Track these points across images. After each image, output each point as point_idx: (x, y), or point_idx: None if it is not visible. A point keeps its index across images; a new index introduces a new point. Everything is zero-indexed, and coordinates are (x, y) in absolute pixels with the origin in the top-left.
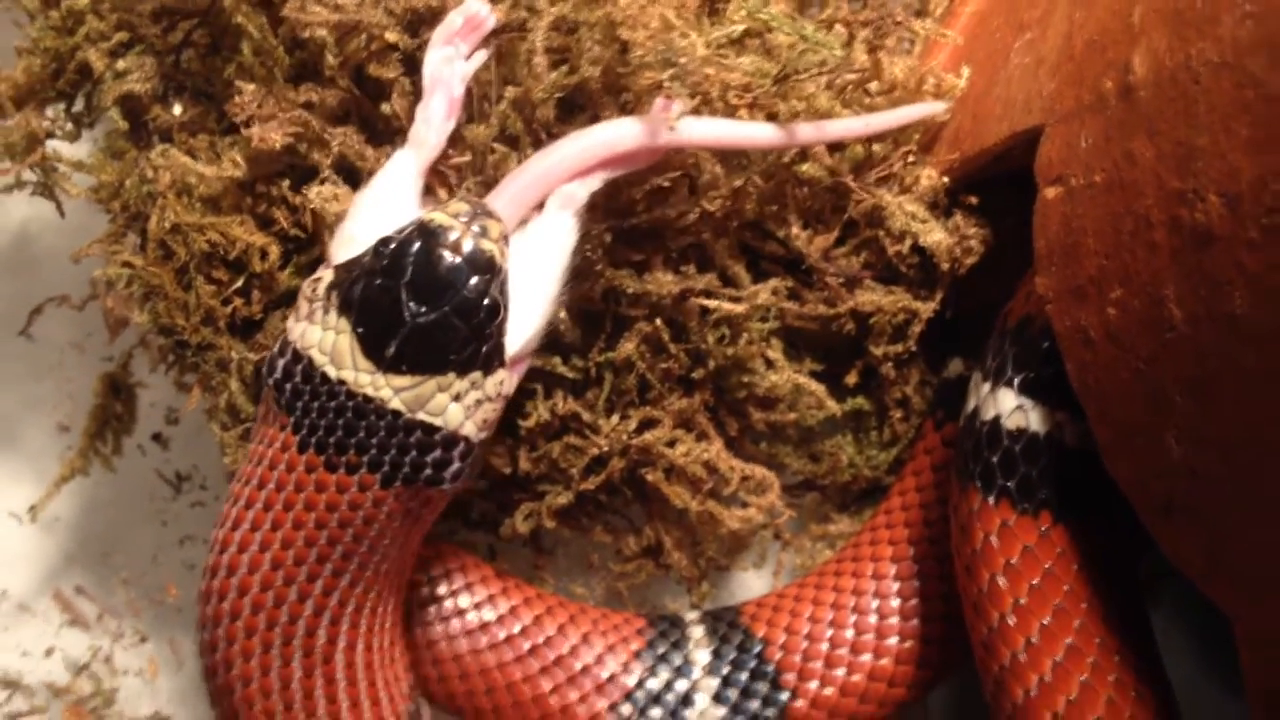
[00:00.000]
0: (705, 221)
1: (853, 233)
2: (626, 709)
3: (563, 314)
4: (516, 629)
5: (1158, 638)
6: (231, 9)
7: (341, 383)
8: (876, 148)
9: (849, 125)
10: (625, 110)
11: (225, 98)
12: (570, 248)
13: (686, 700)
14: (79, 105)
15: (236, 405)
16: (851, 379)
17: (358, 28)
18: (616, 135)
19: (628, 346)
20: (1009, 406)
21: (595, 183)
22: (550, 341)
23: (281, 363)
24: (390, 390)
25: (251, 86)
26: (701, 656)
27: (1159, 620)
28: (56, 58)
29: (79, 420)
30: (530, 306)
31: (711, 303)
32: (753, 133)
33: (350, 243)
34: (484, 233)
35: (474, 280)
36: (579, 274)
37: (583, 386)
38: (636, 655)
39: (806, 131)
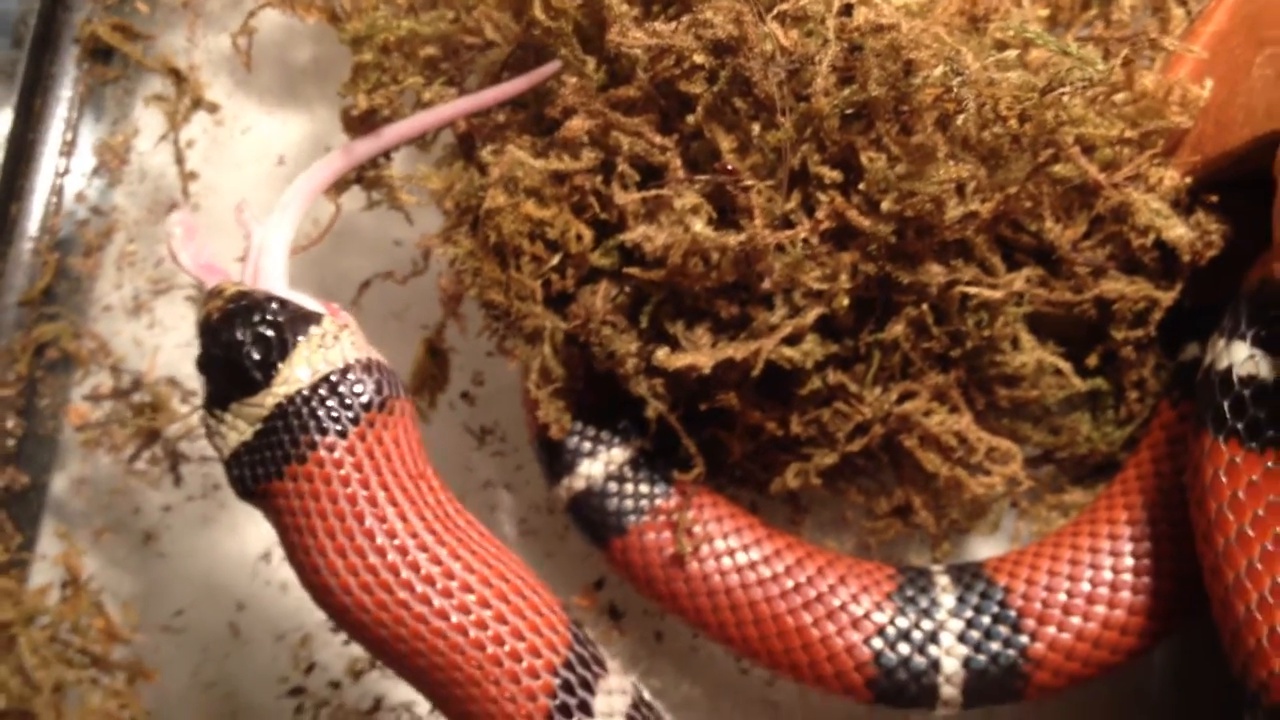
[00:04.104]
0: (970, 219)
1: (1098, 227)
2: (878, 643)
3: (845, 301)
4: (780, 568)
5: None
6: (541, 37)
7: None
8: (1126, 151)
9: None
10: (902, 119)
11: (542, 103)
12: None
13: (933, 638)
14: None
15: (549, 368)
16: (1092, 361)
17: (670, 50)
18: (333, 163)
19: (896, 329)
20: (1241, 356)
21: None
22: (824, 325)
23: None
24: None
25: (574, 80)
26: (947, 600)
27: None
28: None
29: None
30: None
31: (973, 289)
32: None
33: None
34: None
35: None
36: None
37: (850, 361)
38: (888, 596)
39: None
